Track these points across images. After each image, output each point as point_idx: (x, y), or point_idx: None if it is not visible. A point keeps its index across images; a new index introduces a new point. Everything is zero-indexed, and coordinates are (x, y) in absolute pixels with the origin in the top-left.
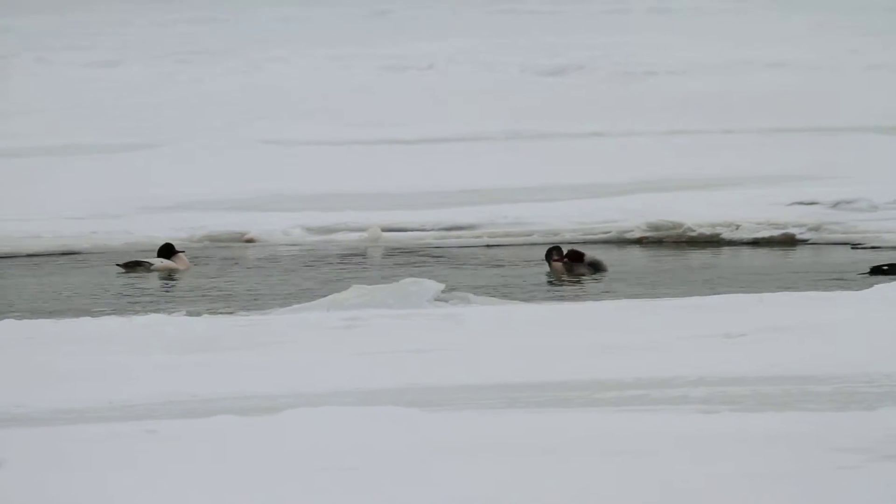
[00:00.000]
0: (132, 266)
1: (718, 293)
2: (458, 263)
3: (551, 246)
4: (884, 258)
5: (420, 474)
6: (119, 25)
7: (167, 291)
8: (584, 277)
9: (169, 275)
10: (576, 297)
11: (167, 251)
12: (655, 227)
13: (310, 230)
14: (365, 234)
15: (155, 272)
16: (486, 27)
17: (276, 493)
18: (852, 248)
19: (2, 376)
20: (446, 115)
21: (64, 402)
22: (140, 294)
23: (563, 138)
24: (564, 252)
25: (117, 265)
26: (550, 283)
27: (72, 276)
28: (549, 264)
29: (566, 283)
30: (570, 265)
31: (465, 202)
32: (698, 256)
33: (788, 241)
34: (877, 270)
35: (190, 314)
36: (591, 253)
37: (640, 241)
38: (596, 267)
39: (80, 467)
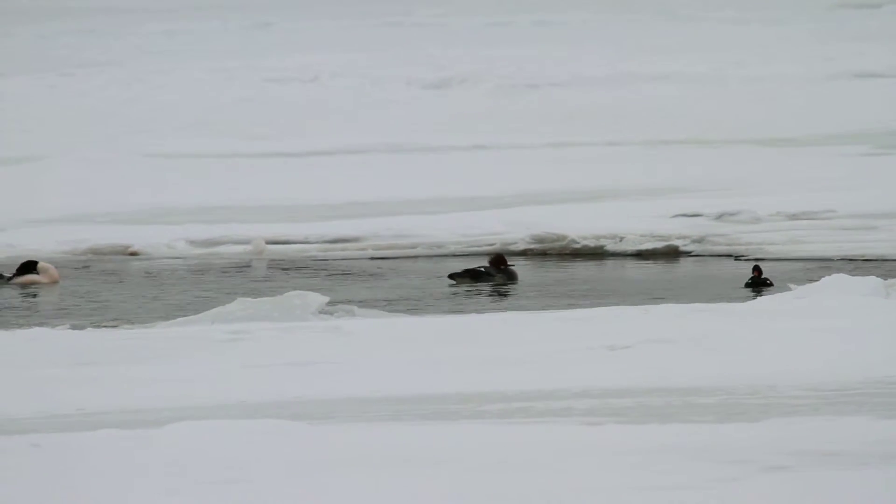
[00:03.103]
0: None
1: (603, 305)
2: (342, 276)
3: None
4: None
5: (305, 487)
6: (3, 38)
7: (50, 305)
8: (492, 285)
9: (26, 286)
10: (460, 311)
11: (26, 268)
12: (540, 240)
13: (194, 243)
14: (249, 247)
15: (15, 285)
16: (370, 40)
17: None
18: (735, 259)
19: None
20: (330, 128)
21: None
22: (24, 307)
23: (448, 151)
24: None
25: None
26: (436, 295)
27: None
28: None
29: (451, 295)
30: (482, 273)
31: (349, 215)
32: (582, 268)
33: (672, 253)
34: (754, 283)
35: (74, 328)
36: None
37: (524, 254)
38: (510, 276)
39: None
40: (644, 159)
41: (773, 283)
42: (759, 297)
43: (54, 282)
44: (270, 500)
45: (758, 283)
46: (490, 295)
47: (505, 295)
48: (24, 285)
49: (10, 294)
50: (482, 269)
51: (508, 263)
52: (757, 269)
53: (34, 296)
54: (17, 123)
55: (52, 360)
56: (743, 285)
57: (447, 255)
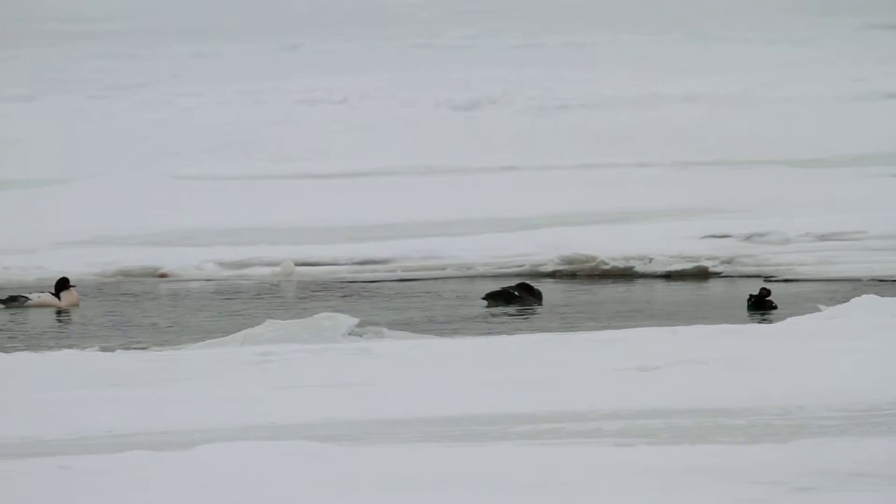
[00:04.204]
0: (8, 301)
1: (632, 326)
2: (371, 297)
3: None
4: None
5: None
6: (32, 60)
7: (80, 327)
8: (523, 308)
9: (59, 311)
10: (489, 332)
11: (61, 285)
12: (569, 261)
13: (223, 265)
14: (278, 269)
15: (31, 307)
16: (398, 62)
17: None
18: (765, 280)
19: None
20: (359, 149)
21: None
22: (53, 329)
23: (476, 172)
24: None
25: None
26: (465, 316)
27: None
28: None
29: (480, 317)
30: (514, 295)
31: (378, 236)
32: (612, 290)
33: (702, 274)
34: (757, 304)
35: (103, 350)
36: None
37: (553, 275)
38: (538, 297)
39: None
40: (673, 180)
41: (778, 305)
42: (766, 320)
43: (73, 305)
44: None
45: (760, 306)
46: (519, 316)
47: (534, 316)
48: (39, 307)
49: (38, 316)
50: (514, 292)
51: (532, 287)
52: (752, 297)
53: (59, 316)
54: (46, 146)
55: (81, 382)
56: (746, 309)
57: (476, 276)
